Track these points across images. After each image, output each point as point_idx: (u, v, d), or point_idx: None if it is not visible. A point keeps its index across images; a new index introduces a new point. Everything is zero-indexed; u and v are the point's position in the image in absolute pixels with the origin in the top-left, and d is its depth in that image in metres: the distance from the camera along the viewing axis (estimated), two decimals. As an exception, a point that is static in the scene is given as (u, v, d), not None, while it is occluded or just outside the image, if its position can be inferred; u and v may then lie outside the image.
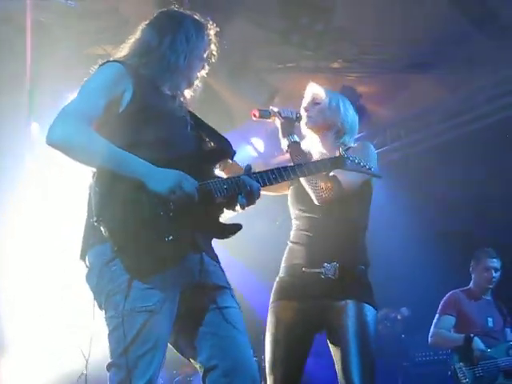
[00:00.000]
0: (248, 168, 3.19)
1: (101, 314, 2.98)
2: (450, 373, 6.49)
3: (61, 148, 2.90)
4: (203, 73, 3.44)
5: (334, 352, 3.86)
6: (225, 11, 6.76)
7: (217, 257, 3.21)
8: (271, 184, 3.24)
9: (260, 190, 3.15)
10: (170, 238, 2.87)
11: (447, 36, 7.61)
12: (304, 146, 4.20)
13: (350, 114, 4.25)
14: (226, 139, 3.32)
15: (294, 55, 8.04)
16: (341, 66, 8.40)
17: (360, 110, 4.99)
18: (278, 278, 4.10)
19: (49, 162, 6.44)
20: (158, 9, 3.47)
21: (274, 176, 3.24)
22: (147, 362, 2.85)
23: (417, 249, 8.87)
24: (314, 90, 4.30)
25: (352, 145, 4.19)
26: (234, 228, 3.13)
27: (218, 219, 3.15)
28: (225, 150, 3.30)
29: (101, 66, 3.17)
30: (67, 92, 7.20)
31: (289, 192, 4.22)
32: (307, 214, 4.04)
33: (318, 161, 3.67)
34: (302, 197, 4.04)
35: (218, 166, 3.28)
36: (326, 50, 7.89)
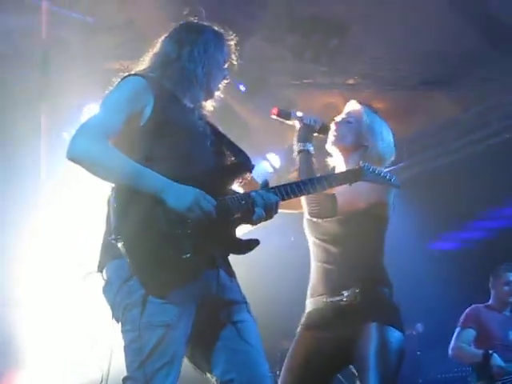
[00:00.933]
0: (265, 182, 3.19)
1: (117, 328, 2.97)
2: None
3: (79, 162, 2.91)
4: (224, 83, 3.45)
5: (357, 376, 3.74)
6: (240, 29, 6.79)
7: (233, 272, 3.21)
8: (289, 198, 3.21)
9: (278, 203, 3.13)
10: (188, 255, 2.86)
11: (461, 54, 7.63)
12: (331, 162, 4.13)
13: (384, 142, 4.03)
14: (245, 153, 3.31)
15: (310, 71, 8.07)
16: (356, 82, 8.42)
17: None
18: (304, 313, 4.00)
19: (68, 176, 6.47)
20: (175, 24, 3.50)
21: (293, 190, 3.23)
22: (163, 376, 2.85)
23: (430, 264, 8.86)
24: (351, 108, 4.12)
25: None
26: (252, 244, 3.10)
27: (235, 235, 3.12)
28: (243, 165, 3.29)
29: (122, 79, 3.18)
30: (85, 107, 7.30)
31: (304, 218, 4.07)
32: (323, 244, 3.94)
33: (338, 173, 3.60)
34: (317, 224, 3.94)
35: (236, 180, 3.25)
36: (341, 66, 7.91)
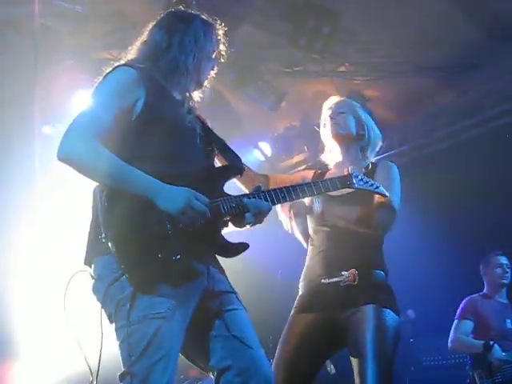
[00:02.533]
0: (257, 188, 3.18)
1: (110, 325, 2.94)
2: (468, 380, 6.44)
3: (69, 163, 2.87)
4: (212, 73, 3.40)
5: (352, 357, 3.75)
6: (231, 15, 6.75)
7: (221, 266, 3.19)
8: (279, 203, 3.23)
9: (269, 210, 3.15)
10: (178, 257, 2.83)
11: (455, 39, 7.60)
12: (324, 158, 4.20)
13: (374, 127, 4.21)
14: (236, 154, 3.29)
15: (301, 59, 8.02)
16: (348, 69, 8.38)
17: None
18: (298, 297, 4.04)
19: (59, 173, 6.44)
20: (163, 12, 3.43)
21: (283, 195, 3.23)
22: (161, 370, 2.80)
23: (421, 250, 8.83)
24: (337, 101, 4.24)
25: (372, 161, 4.16)
26: (241, 247, 3.09)
27: (224, 238, 3.10)
28: (234, 167, 3.28)
29: (112, 70, 3.10)
30: (74, 97, 7.26)
31: (306, 205, 4.13)
32: (325, 229, 3.99)
33: (326, 180, 3.58)
34: (318, 212, 4.00)
35: (227, 182, 3.22)
36: (333, 54, 7.86)
